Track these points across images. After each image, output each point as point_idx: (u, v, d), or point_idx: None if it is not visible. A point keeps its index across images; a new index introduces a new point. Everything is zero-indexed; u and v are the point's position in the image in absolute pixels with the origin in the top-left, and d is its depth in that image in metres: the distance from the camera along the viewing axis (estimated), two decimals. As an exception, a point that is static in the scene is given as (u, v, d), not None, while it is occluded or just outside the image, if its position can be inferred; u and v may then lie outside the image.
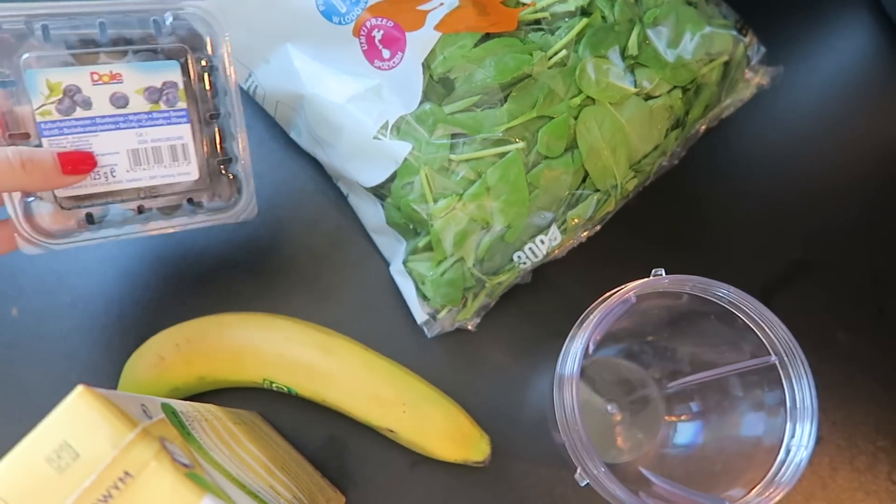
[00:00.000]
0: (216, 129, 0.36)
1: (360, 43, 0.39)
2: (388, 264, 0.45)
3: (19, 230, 0.33)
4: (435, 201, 0.38)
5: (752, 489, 0.31)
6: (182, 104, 0.34)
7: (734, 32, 0.43)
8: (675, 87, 0.41)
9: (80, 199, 0.34)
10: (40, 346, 0.42)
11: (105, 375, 0.42)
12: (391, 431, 0.39)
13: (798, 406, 0.31)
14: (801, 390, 0.31)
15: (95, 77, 0.32)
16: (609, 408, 0.42)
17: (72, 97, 0.32)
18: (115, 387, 0.41)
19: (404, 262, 0.41)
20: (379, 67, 0.39)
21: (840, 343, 0.46)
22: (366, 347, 0.41)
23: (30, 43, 0.31)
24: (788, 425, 0.31)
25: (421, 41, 0.38)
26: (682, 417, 0.39)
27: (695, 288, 0.33)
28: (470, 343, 0.44)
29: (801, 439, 0.31)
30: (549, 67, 0.38)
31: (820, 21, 0.53)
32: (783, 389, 0.32)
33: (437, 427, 0.39)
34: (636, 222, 0.45)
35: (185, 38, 0.34)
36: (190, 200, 0.36)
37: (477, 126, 0.38)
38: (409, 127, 0.39)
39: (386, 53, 0.39)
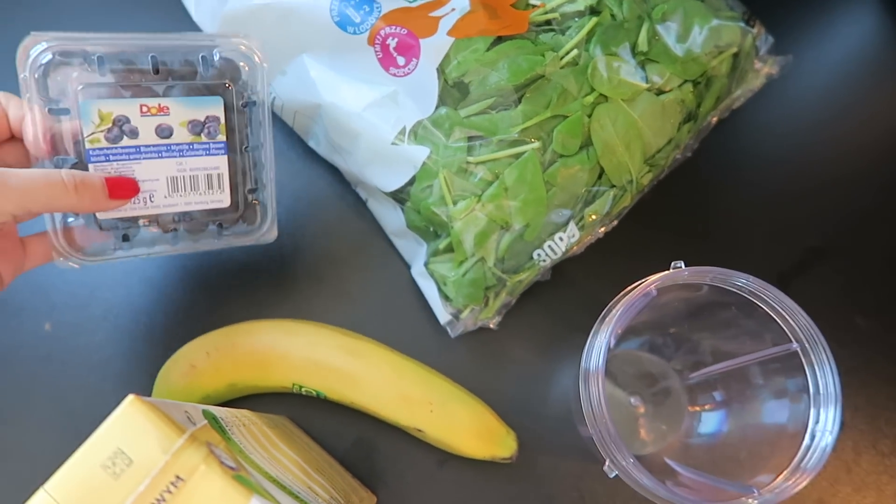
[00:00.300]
0: (249, 159, 0.37)
1: (376, 51, 0.40)
2: (409, 267, 0.45)
3: (56, 245, 0.34)
4: (454, 203, 0.39)
5: (779, 475, 0.32)
6: (222, 137, 0.36)
7: (742, 24, 0.43)
8: (685, 80, 0.41)
9: (118, 221, 0.35)
10: (74, 359, 0.43)
11: (138, 385, 0.43)
12: (419, 431, 0.40)
13: (821, 391, 0.31)
14: (824, 376, 0.32)
15: (144, 109, 0.34)
16: (632, 400, 0.43)
17: (120, 127, 0.34)
18: (148, 396, 0.42)
19: (426, 265, 0.42)
20: (394, 74, 0.40)
21: (859, 328, 0.46)
22: (391, 349, 0.42)
23: (85, 73, 0.33)
24: (812, 411, 0.32)
25: (435, 47, 0.39)
26: (706, 407, 0.40)
27: (714, 279, 0.33)
28: (493, 341, 0.45)
29: (825, 424, 0.31)
30: (562, 67, 0.39)
31: (826, 8, 0.53)
32: (805, 376, 0.32)
33: (464, 425, 0.40)
34: (652, 216, 0.46)
35: (228, 73, 0.35)
36: (218, 224, 0.38)
37: (493, 128, 0.39)
38: (426, 131, 0.39)
39: (401, 60, 0.40)
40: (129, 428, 0.21)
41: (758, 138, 0.50)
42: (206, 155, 0.36)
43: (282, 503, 0.24)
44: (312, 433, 0.43)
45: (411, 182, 0.40)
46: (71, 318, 0.44)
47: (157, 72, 0.34)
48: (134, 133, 0.34)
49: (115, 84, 0.33)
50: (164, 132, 0.35)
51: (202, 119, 0.35)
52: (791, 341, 0.33)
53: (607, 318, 0.34)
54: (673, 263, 0.35)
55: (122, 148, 0.34)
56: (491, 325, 0.43)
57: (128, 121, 0.34)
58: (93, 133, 0.33)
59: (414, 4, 0.40)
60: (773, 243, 0.48)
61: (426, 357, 0.43)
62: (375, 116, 0.40)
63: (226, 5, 0.42)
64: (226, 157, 0.37)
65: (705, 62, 0.42)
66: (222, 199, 0.37)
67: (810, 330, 0.32)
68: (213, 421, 0.26)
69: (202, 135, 0.36)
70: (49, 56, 0.32)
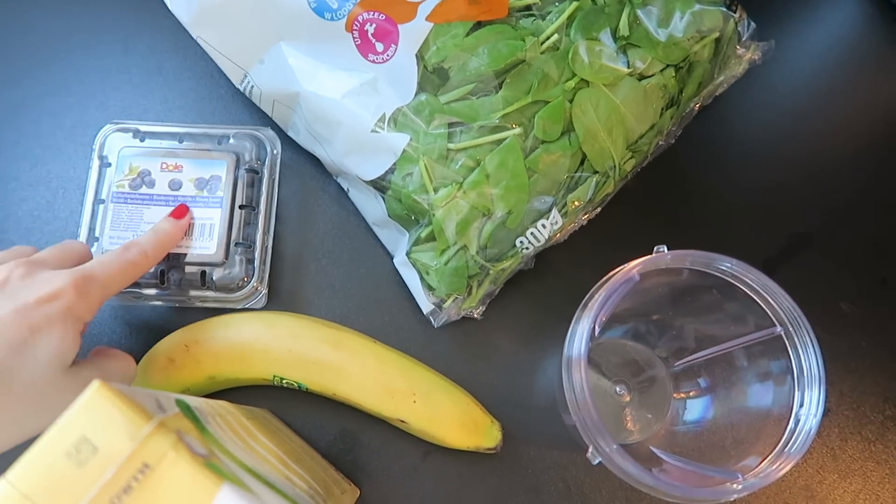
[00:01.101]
0: (241, 217, 0.42)
1: (353, 37, 0.40)
2: (391, 257, 0.45)
3: None
4: (435, 191, 0.39)
5: (764, 460, 0.31)
6: (220, 193, 0.42)
7: (723, 9, 0.43)
8: (667, 65, 0.41)
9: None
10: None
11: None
12: (403, 422, 0.40)
13: (805, 374, 0.31)
14: (808, 358, 0.31)
15: (164, 165, 0.43)
16: (617, 389, 0.42)
17: (142, 178, 0.42)
18: (126, 391, 0.41)
19: (408, 254, 0.41)
20: (373, 61, 0.40)
21: (844, 314, 0.46)
22: (374, 340, 0.41)
23: (129, 141, 0.43)
24: (797, 394, 0.31)
25: (413, 33, 0.38)
26: (691, 394, 0.40)
27: (696, 262, 0.33)
28: (477, 331, 0.44)
29: (809, 407, 0.31)
30: (542, 52, 0.39)
31: (808, -6, 0.53)
32: (789, 359, 0.32)
33: (448, 416, 0.40)
34: (636, 203, 0.46)
35: (237, 148, 0.44)
36: (203, 273, 0.42)
37: (473, 114, 0.38)
38: (406, 118, 0.39)
39: (379, 47, 0.39)
40: (94, 415, 0.21)
41: (741, 125, 0.49)
42: (205, 207, 0.42)
43: (256, 491, 0.23)
44: (295, 426, 0.42)
45: (392, 170, 0.40)
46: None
47: (181, 143, 0.44)
48: (151, 183, 0.42)
49: (147, 148, 0.43)
50: (175, 185, 0.42)
51: (207, 177, 0.42)
52: (774, 325, 0.33)
53: (589, 305, 0.34)
54: (656, 248, 0.34)
55: (139, 194, 0.42)
56: (475, 315, 0.43)
57: (149, 174, 0.42)
58: (121, 180, 0.42)
59: (392, -10, 0.40)
60: (759, 230, 0.48)
61: (410, 348, 0.43)
62: (355, 104, 0.40)
63: (202, -7, 0.42)
64: (219, 210, 0.42)
65: (687, 47, 0.41)
66: (209, 247, 0.42)
67: (794, 312, 0.32)
68: (187, 410, 0.26)
69: (205, 190, 0.42)
70: (111, 131, 0.44)
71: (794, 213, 0.48)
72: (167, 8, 0.44)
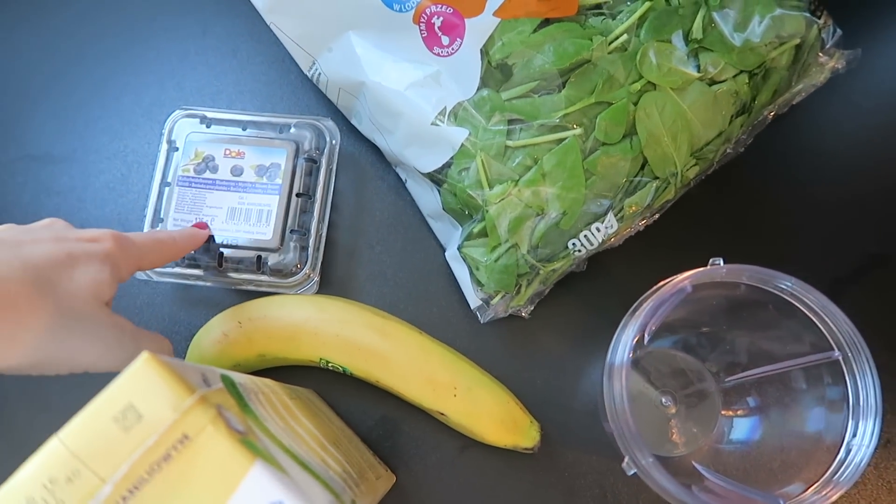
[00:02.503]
0: (298, 204, 0.44)
1: (420, 30, 0.40)
2: (443, 250, 0.45)
3: None
4: (490, 187, 0.39)
5: (809, 487, 0.30)
6: (278, 181, 0.44)
7: (807, 14, 0.41)
8: (741, 71, 0.40)
9: (215, 240, 0.43)
10: (116, 320, 0.45)
11: (174, 349, 0.44)
12: (442, 414, 0.40)
13: (861, 403, 0.30)
14: (865, 387, 0.30)
15: (227, 152, 0.44)
16: (663, 400, 0.41)
17: (207, 163, 0.44)
18: (182, 359, 0.43)
19: (459, 248, 0.41)
20: (438, 54, 0.40)
21: (916, 342, 0.43)
22: (420, 331, 0.42)
23: (196, 127, 0.45)
24: (850, 423, 0.30)
25: (480, 27, 0.38)
26: (739, 412, 0.38)
27: (753, 278, 0.32)
28: (523, 330, 0.44)
29: (862, 438, 0.29)
30: (609, 52, 0.38)
31: (904, 2, 0.50)
32: (846, 385, 0.31)
33: (487, 412, 0.40)
34: (697, 211, 0.44)
35: (299, 138, 0.45)
36: (259, 257, 0.43)
37: (534, 112, 0.38)
38: (467, 113, 0.39)
39: (445, 40, 0.39)
40: (141, 384, 0.22)
41: (818, 136, 0.47)
42: (264, 194, 0.44)
43: (288, 470, 0.24)
44: (338, 409, 0.43)
45: (449, 164, 0.40)
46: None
47: (245, 130, 0.45)
48: (215, 169, 0.44)
49: (212, 134, 0.45)
50: (237, 171, 0.44)
51: (267, 165, 0.44)
52: (832, 348, 0.31)
53: (636, 313, 0.33)
54: (711, 260, 0.33)
55: (203, 178, 0.44)
56: (523, 314, 0.43)
57: (213, 159, 0.44)
58: (186, 164, 0.44)
59: (462, -17, 0.40)
60: (829, 247, 0.45)
61: (455, 341, 0.43)
62: (417, 96, 0.40)
63: (276, -20, 0.43)
64: (277, 197, 0.43)
65: (764, 53, 0.40)
66: (266, 233, 0.43)
67: (853, 338, 0.30)
68: (231, 386, 0.27)
69: (264, 177, 0.44)
70: (180, 116, 0.46)
71: (869, 233, 0.45)
72: (245, -6, 0.45)
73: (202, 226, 0.43)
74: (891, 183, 0.46)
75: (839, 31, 0.44)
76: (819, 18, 0.42)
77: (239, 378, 0.28)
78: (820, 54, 0.44)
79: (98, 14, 0.52)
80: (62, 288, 0.30)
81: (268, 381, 0.33)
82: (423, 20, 0.39)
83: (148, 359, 0.22)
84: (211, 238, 0.43)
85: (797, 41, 0.41)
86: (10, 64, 0.51)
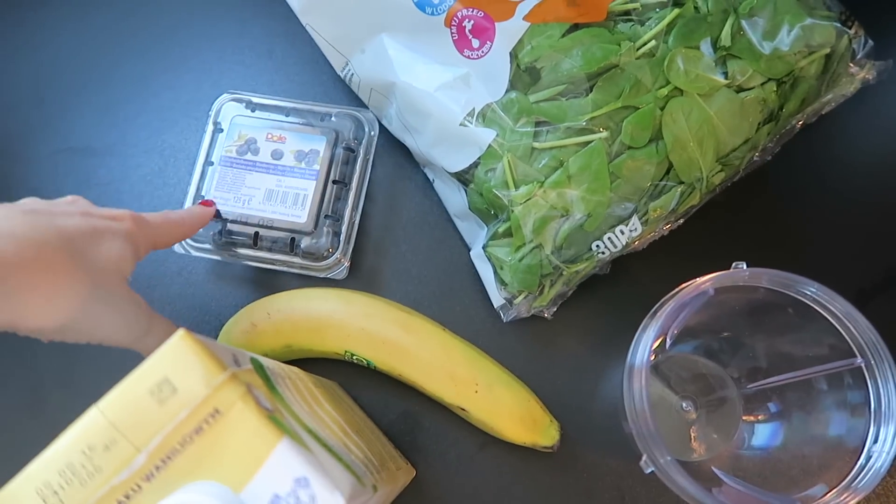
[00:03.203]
0: (333, 191, 0.45)
1: (451, 33, 0.41)
2: (468, 249, 0.46)
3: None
4: (516, 187, 0.39)
5: (830, 491, 0.30)
6: (316, 166, 0.45)
7: (837, 24, 0.41)
8: (769, 79, 0.40)
9: (220, 214, 0.45)
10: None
11: (207, 325, 0.45)
12: (463, 410, 0.40)
13: (883, 409, 0.30)
14: (888, 393, 0.30)
15: (269, 136, 0.46)
16: (684, 405, 0.41)
17: (248, 145, 0.46)
18: (211, 349, 0.44)
19: (484, 247, 0.42)
20: (468, 56, 0.41)
21: (943, 356, 0.43)
22: (443, 328, 0.42)
23: (241, 111, 0.47)
24: (872, 428, 0.30)
25: (510, 31, 0.39)
26: (760, 418, 0.38)
27: (775, 282, 0.32)
28: (546, 331, 0.45)
29: (884, 444, 0.29)
30: (637, 58, 0.38)
31: (938, 14, 0.49)
32: (868, 391, 0.31)
33: (507, 409, 0.40)
34: (722, 218, 0.44)
35: (339, 127, 0.46)
36: (293, 240, 0.44)
37: (561, 115, 0.39)
38: (495, 115, 0.40)
39: (475, 43, 0.40)
40: (177, 360, 0.23)
41: (847, 146, 0.47)
42: (301, 178, 0.45)
43: (313, 450, 0.25)
44: (361, 401, 0.44)
45: (476, 164, 0.41)
46: (150, 272, 0.47)
47: (287, 115, 0.47)
48: (256, 151, 0.46)
49: (256, 119, 0.46)
50: (276, 154, 0.45)
51: (306, 150, 0.45)
52: (856, 355, 0.31)
53: (657, 314, 0.33)
54: (734, 263, 0.33)
55: (244, 160, 0.46)
56: (545, 315, 0.43)
57: (255, 142, 0.46)
58: (230, 145, 0.46)
59: (493, -12, 0.41)
60: (855, 258, 0.45)
61: (478, 339, 0.44)
62: (446, 97, 0.41)
63: (312, -17, 0.44)
64: (314, 182, 0.45)
65: (793, 62, 0.40)
66: (301, 216, 0.44)
67: (877, 345, 0.30)
68: (260, 369, 0.28)
69: (303, 162, 0.45)
70: (227, 100, 0.47)
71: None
72: (281, -5, 0.47)
73: (208, 203, 0.44)
74: (920, 195, 0.46)
75: (870, 42, 0.44)
76: (850, 29, 0.42)
77: (267, 362, 0.29)
78: (850, 65, 0.43)
79: (139, 14, 0.54)
80: (91, 259, 0.31)
81: (294, 368, 0.34)
82: (454, 23, 0.40)
83: (183, 335, 0.23)
84: (217, 213, 0.44)
85: (827, 51, 0.41)
86: (55, 60, 0.53)
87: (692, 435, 0.41)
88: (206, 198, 0.45)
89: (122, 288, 0.33)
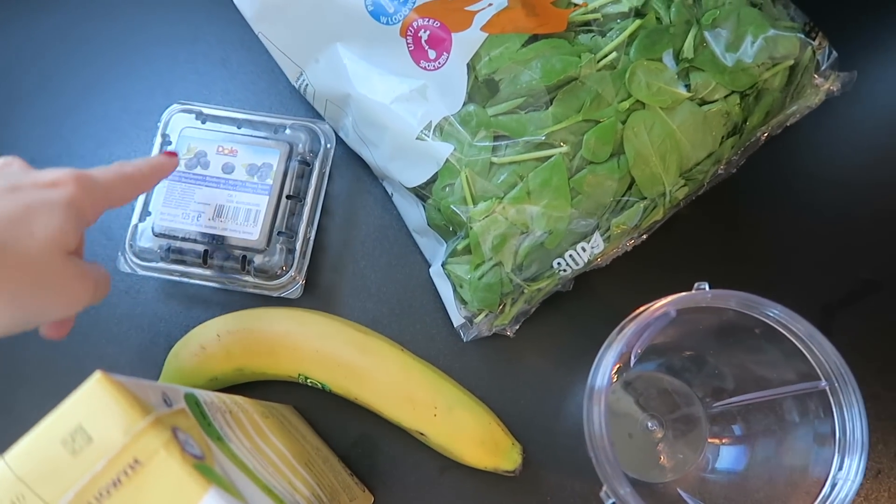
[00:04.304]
0: (287, 206, 0.43)
1: (407, 43, 0.39)
2: (429, 265, 0.44)
3: (126, 249, 0.43)
4: (475, 203, 0.38)
5: (793, 521, 0.29)
6: (269, 181, 0.43)
7: (801, 35, 0.40)
8: (732, 92, 0.39)
9: (166, 233, 0.43)
10: (94, 330, 0.44)
11: (151, 361, 0.43)
12: (422, 434, 0.39)
13: (847, 437, 0.29)
14: (852, 420, 0.29)
15: (220, 149, 0.44)
16: (649, 424, 0.40)
17: (198, 158, 0.43)
18: (159, 372, 0.42)
19: (443, 264, 0.41)
20: (424, 68, 0.39)
21: (908, 370, 0.43)
22: (402, 348, 0.41)
23: (191, 123, 0.45)
24: (837, 457, 0.29)
25: (467, 42, 0.38)
26: (725, 441, 0.38)
27: (739, 304, 0.31)
28: (508, 349, 0.43)
29: (848, 472, 0.29)
30: (598, 70, 0.37)
31: (901, 24, 0.49)
32: (833, 417, 0.30)
33: (468, 433, 0.39)
34: (687, 232, 0.44)
35: (293, 139, 0.44)
36: (244, 257, 0.42)
37: (520, 129, 0.37)
38: (452, 128, 0.38)
39: (432, 54, 0.39)
40: (92, 406, 0.21)
41: (812, 158, 0.47)
42: (253, 193, 0.43)
43: (248, 496, 0.23)
44: (317, 425, 0.42)
45: (434, 179, 0.39)
46: (96, 290, 0.45)
47: (240, 130, 0.45)
48: (206, 165, 0.43)
49: (207, 131, 0.44)
50: (228, 168, 0.43)
51: (259, 164, 0.43)
52: (820, 378, 0.31)
53: (619, 336, 0.32)
54: (696, 284, 0.32)
55: (193, 174, 0.43)
56: (508, 333, 0.42)
57: (205, 155, 0.43)
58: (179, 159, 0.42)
59: (450, -3, 0.39)
60: (820, 271, 0.45)
61: (438, 359, 0.42)
62: (403, 110, 0.39)
63: (265, -10, 0.42)
64: (267, 197, 0.43)
65: (756, 74, 0.39)
66: (253, 233, 0.42)
67: (840, 369, 0.30)
68: (195, 405, 0.26)
69: (255, 176, 0.43)
70: (176, 111, 0.45)
71: (862, 258, 0.45)
72: (235, 2, 0.45)
73: (172, 154, 0.40)
74: (883, 208, 0.46)
75: (835, 54, 0.43)
76: (814, 40, 0.42)
77: (205, 396, 0.28)
78: (815, 76, 0.43)
79: (88, 18, 0.51)
80: (22, 247, 0.28)
81: (239, 398, 0.32)
82: (409, 33, 0.39)
83: (100, 379, 0.21)
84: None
85: (791, 62, 0.40)
86: (-3, 67, 0.51)
87: (659, 455, 0.40)
88: (152, 213, 0.43)
89: (64, 267, 0.30)
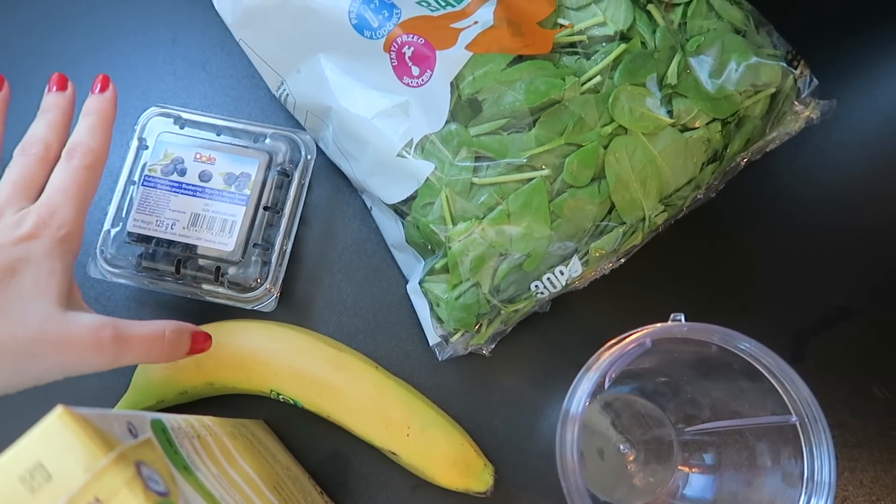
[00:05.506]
0: (265, 218, 0.42)
1: (391, 58, 0.39)
2: (406, 281, 0.44)
3: (97, 255, 0.42)
4: (454, 223, 0.38)
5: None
6: (247, 191, 0.42)
7: (783, 64, 0.41)
8: (714, 119, 0.39)
9: (141, 238, 0.42)
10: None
11: (119, 370, 0.42)
12: (394, 454, 0.39)
13: (816, 478, 0.29)
14: (821, 459, 0.29)
15: (197, 156, 0.43)
16: (622, 447, 0.41)
17: (175, 165, 0.42)
18: (128, 383, 0.41)
19: (420, 282, 0.40)
20: (408, 84, 0.39)
21: (875, 398, 0.43)
22: (376, 365, 0.41)
23: (169, 127, 0.44)
24: (804, 496, 0.29)
25: (451, 60, 0.37)
26: (695, 469, 0.38)
27: (714, 338, 0.31)
28: (483, 368, 0.43)
29: (815, 511, 0.29)
30: (582, 93, 0.37)
31: (879, 53, 0.49)
32: (802, 454, 0.30)
33: (440, 453, 0.39)
34: (665, 255, 0.44)
35: (273, 149, 0.43)
36: (218, 268, 0.41)
37: (502, 150, 0.37)
38: (434, 147, 0.38)
39: (415, 70, 0.38)
40: (52, 442, 0.20)
41: (790, 184, 0.47)
42: (230, 203, 0.42)
43: (213, 531, 0.23)
44: (288, 441, 0.42)
45: (414, 197, 0.39)
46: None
47: (219, 136, 0.44)
48: (182, 172, 0.42)
49: (185, 136, 0.43)
50: (205, 176, 0.42)
51: (237, 173, 0.42)
52: (790, 413, 0.31)
53: (595, 365, 0.32)
54: (672, 315, 0.33)
55: (169, 180, 0.42)
56: (483, 352, 0.42)
57: (182, 161, 0.43)
58: (154, 164, 0.43)
59: (436, 13, 0.39)
60: (795, 296, 0.45)
61: (413, 376, 0.42)
62: (384, 126, 0.39)
63: (247, -4, 0.42)
64: (243, 208, 0.42)
65: (738, 101, 0.39)
66: (228, 244, 0.41)
67: (811, 406, 0.30)
68: (162, 432, 0.25)
69: (233, 186, 0.42)
70: (154, 114, 0.44)
71: (836, 284, 0.45)
72: (217, 5, 0.44)
73: (104, 82, 0.37)
74: (858, 234, 0.46)
75: (815, 81, 0.43)
76: (796, 69, 0.42)
77: (172, 422, 0.27)
78: (796, 103, 0.43)
79: (64, 14, 0.50)
80: (10, 314, 0.28)
81: (208, 420, 0.31)
82: (393, 49, 0.38)
83: (61, 413, 0.20)
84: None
85: (772, 90, 0.41)
86: (-33, 63, 0.49)
87: (629, 477, 0.40)
88: (125, 219, 0.42)
89: (62, 322, 0.29)
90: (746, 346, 0.31)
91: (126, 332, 0.31)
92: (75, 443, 0.20)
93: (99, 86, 0.36)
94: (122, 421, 0.23)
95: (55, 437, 0.20)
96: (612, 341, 0.33)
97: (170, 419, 0.27)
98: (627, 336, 0.32)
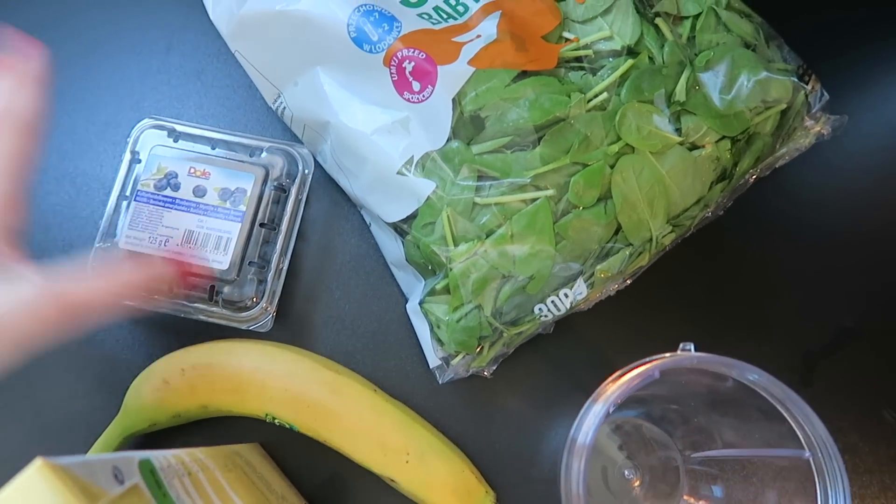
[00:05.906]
0: (261, 235, 0.41)
1: (391, 73, 0.38)
2: (406, 300, 0.43)
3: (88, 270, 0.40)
4: (456, 244, 0.36)
5: None
6: (242, 207, 0.41)
7: (794, 79, 0.39)
8: (724, 137, 0.38)
9: (133, 255, 0.40)
10: (51, 355, 0.42)
11: (111, 389, 0.41)
12: (393, 481, 0.38)
13: (830, 517, 0.28)
14: (836, 496, 0.28)
15: (192, 170, 0.41)
16: (626, 473, 0.40)
17: (168, 180, 0.41)
18: (120, 402, 0.40)
19: (421, 303, 0.39)
20: (408, 100, 0.37)
21: (885, 422, 0.42)
22: (374, 388, 0.40)
23: (163, 140, 0.42)
24: (818, 534, 0.28)
25: (453, 75, 0.36)
26: (701, 501, 0.37)
27: (728, 371, 0.30)
28: (485, 390, 0.42)
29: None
30: (588, 111, 0.36)
31: (889, 66, 0.48)
32: (815, 492, 0.29)
33: (440, 480, 0.38)
34: (671, 276, 0.43)
35: (269, 163, 0.42)
36: (212, 287, 0.40)
37: (506, 169, 0.36)
38: (435, 165, 0.37)
39: (416, 86, 0.37)
40: (32, 495, 0.19)
41: (799, 201, 0.46)
42: (225, 219, 0.41)
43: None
44: (284, 463, 0.41)
45: (414, 215, 0.38)
46: (54, 313, 0.43)
47: (214, 150, 0.42)
48: (176, 187, 0.41)
49: (179, 150, 0.42)
50: (199, 192, 0.41)
51: (232, 189, 0.41)
52: (803, 447, 0.30)
53: (603, 396, 0.31)
54: (682, 345, 0.31)
55: (163, 196, 0.41)
56: (485, 374, 0.41)
57: (175, 176, 0.41)
58: (147, 179, 0.41)
59: (437, 27, 0.38)
60: (803, 318, 0.44)
61: (412, 398, 0.41)
62: (384, 142, 0.38)
63: (243, 7, 0.40)
64: (239, 224, 0.40)
65: (748, 118, 0.38)
66: (223, 262, 0.40)
67: (825, 441, 0.29)
68: (149, 474, 0.24)
69: (228, 201, 0.41)
70: (147, 126, 0.43)
71: (846, 305, 0.44)
72: (213, 14, 0.43)
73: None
74: (869, 253, 0.45)
75: (827, 96, 0.42)
76: (807, 83, 0.41)
77: (162, 461, 0.26)
78: (806, 118, 0.42)
79: (56, 22, 0.49)
80: None
81: (200, 454, 0.30)
82: (394, 63, 0.37)
83: (40, 467, 0.19)
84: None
85: (783, 106, 0.40)
86: (-43, 71, 0.48)
87: (638, 500, 0.39)
88: (117, 236, 0.41)
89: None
90: (757, 378, 0.30)
91: (75, 300, 0.29)
92: (55, 498, 0.19)
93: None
94: (108, 466, 0.22)
95: (35, 492, 0.19)
96: (620, 371, 0.32)
97: (159, 457, 0.26)
98: (636, 367, 0.31)
